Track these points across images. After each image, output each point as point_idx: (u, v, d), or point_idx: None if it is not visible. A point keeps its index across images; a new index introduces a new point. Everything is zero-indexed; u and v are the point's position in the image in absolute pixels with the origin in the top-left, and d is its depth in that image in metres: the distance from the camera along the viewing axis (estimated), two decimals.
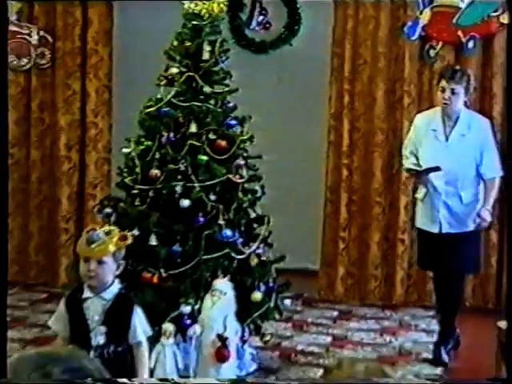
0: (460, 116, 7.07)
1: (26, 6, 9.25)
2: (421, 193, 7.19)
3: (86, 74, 9.26)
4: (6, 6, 2.00)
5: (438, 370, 7.10)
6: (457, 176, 7.05)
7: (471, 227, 7.07)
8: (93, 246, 4.56)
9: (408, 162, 7.29)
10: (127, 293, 4.79)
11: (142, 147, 6.84)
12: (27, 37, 9.22)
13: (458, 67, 7.72)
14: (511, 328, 1.92)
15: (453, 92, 6.95)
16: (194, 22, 6.84)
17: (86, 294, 4.62)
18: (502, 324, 6.93)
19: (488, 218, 7.13)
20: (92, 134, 9.34)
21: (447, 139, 7.10)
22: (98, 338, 4.55)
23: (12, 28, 9.19)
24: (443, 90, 7.01)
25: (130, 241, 4.94)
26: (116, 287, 4.67)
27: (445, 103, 7.01)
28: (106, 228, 4.93)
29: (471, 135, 7.05)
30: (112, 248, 4.58)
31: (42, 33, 9.22)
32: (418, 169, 7.16)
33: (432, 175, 7.02)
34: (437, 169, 6.96)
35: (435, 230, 7.11)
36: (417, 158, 7.17)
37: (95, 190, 9.20)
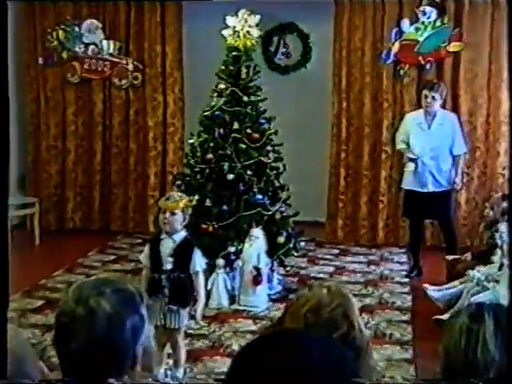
0: (437, 113, 7.30)
1: (124, 44, 9.38)
2: (410, 167, 7.36)
3: (166, 90, 9.37)
4: (7, 6, 2.04)
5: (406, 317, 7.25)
6: (437, 153, 7.28)
7: (448, 187, 7.36)
8: (168, 201, 4.73)
9: (401, 148, 7.58)
10: (190, 238, 4.89)
11: (202, 139, 6.95)
12: (125, 65, 9.33)
13: (435, 81, 7.99)
14: (511, 323, 2.00)
15: (433, 98, 7.19)
16: (234, 53, 6.93)
17: (163, 235, 4.76)
18: (450, 257, 7.10)
19: (459, 182, 7.48)
20: (171, 131, 9.44)
21: (429, 128, 7.29)
22: (167, 265, 4.67)
23: (114, 59, 9.35)
24: (426, 97, 7.28)
25: (194, 203, 5.17)
26: (183, 233, 4.78)
27: (427, 105, 7.27)
28: (180, 193, 5.17)
29: (446, 125, 7.30)
30: (182, 205, 4.71)
31: (135, 62, 9.34)
32: (413, 156, 7.35)
33: (421, 154, 7.27)
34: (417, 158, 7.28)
35: (424, 190, 7.31)
36: (407, 144, 7.39)
37: (173, 169, 9.27)
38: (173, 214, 4.70)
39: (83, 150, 9.64)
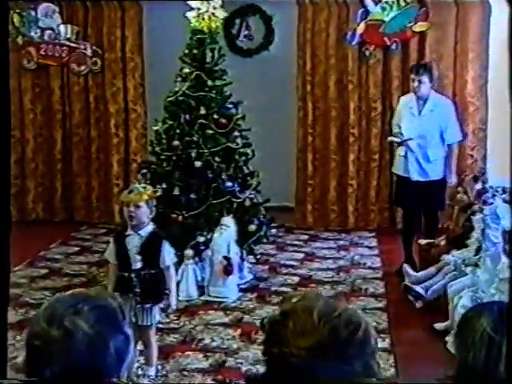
0: (429, 97, 6.78)
1: (82, 29, 9.06)
2: (402, 151, 6.92)
3: (126, 75, 9.08)
4: (7, 6, 1.89)
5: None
6: (426, 141, 6.77)
7: (435, 178, 6.81)
8: (131, 194, 4.48)
9: (394, 131, 7.04)
10: (158, 231, 4.65)
11: (167, 125, 6.72)
12: (84, 50, 9.00)
13: (422, 62, 7.51)
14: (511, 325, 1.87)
15: (420, 81, 6.69)
16: (199, 36, 6.70)
17: (128, 231, 4.50)
18: (422, 241, 6.91)
19: (454, 179, 6.96)
20: (133, 117, 9.15)
21: (420, 113, 6.81)
22: (136, 264, 4.46)
23: (72, 44, 9.04)
24: (413, 81, 6.78)
25: (158, 193, 4.94)
26: (150, 227, 4.53)
27: (414, 90, 6.77)
28: (143, 184, 4.92)
29: (437, 111, 6.77)
30: (145, 197, 4.45)
31: (94, 47, 9.03)
32: (398, 140, 6.93)
33: (407, 138, 6.78)
34: (409, 139, 6.80)
35: (411, 178, 6.83)
36: (399, 127, 6.88)
37: (136, 157, 9.00)
38: (137, 206, 4.45)
39: (43, 139, 9.32)
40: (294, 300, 1.76)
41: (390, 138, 7.31)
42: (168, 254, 4.55)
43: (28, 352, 1.65)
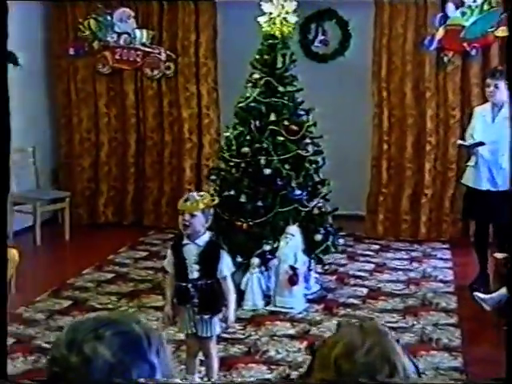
0: (504, 104, 6.44)
1: (157, 33, 9.06)
2: (472, 161, 6.66)
3: (199, 80, 9.01)
4: (7, 6, 1.80)
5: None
6: (497, 147, 6.42)
7: (504, 188, 6.43)
8: (187, 202, 4.33)
9: (468, 141, 6.71)
10: (215, 240, 4.53)
11: (237, 132, 6.59)
12: (158, 55, 8.98)
13: (499, 68, 7.11)
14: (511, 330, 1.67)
15: (496, 86, 6.41)
16: (270, 41, 6.55)
17: (185, 241, 4.36)
18: (498, 255, 6.57)
19: None
20: (206, 123, 9.07)
21: (493, 121, 6.53)
22: (194, 274, 4.32)
23: (147, 49, 9.02)
24: (488, 86, 6.51)
25: (215, 202, 4.79)
26: (207, 236, 4.38)
27: (489, 95, 6.51)
28: (201, 192, 4.77)
29: None
30: (202, 205, 4.29)
31: (168, 52, 8.98)
32: (466, 143, 6.69)
33: (480, 148, 6.50)
34: (481, 144, 6.55)
35: (482, 188, 6.55)
36: (472, 137, 6.58)
37: (208, 162, 8.89)
38: (193, 215, 4.30)
39: (117, 143, 9.32)
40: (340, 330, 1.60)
41: (458, 142, 7.07)
42: (226, 264, 4.41)
43: (48, 378, 1.50)
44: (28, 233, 8.32)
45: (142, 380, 1.47)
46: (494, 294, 5.79)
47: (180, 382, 1.70)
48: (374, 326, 1.65)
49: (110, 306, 6.24)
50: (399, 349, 1.60)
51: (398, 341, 1.65)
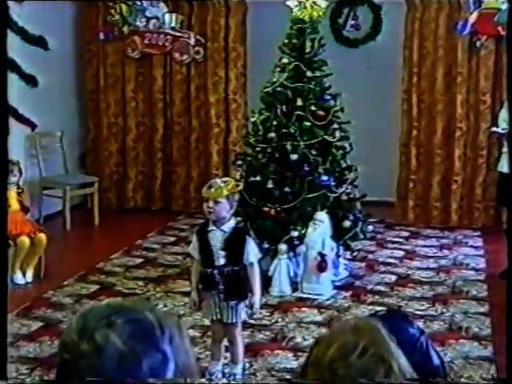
0: None
1: (186, 18, 9.03)
2: (505, 148, 6.50)
3: (228, 65, 8.93)
4: (7, 6, 1.76)
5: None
6: None
7: None
8: (211, 189, 4.30)
9: (499, 126, 6.61)
10: (241, 227, 4.49)
11: (263, 116, 6.49)
12: (187, 39, 8.91)
13: None
14: (511, 330, 1.61)
15: None
16: (299, 25, 6.45)
17: (211, 227, 4.32)
18: None
19: None
20: (233, 108, 9.01)
21: None
22: (220, 260, 4.28)
23: (176, 33, 8.96)
24: None
25: (240, 188, 4.72)
26: (232, 222, 4.35)
27: None
28: (225, 178, 4.71)
29: None
30: (226, 192, 4.25)
31: (197, 36, 8.90)
32: (500, 131, 6.55)
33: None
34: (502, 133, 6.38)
35: None
36: (505, 122, 6.41)
37: (235, 147, 8.85)
38: (217, 202, 4.26)
39: (144, 128, 9.29)
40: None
41: (492, 129, 6.89)
42: (252, 250, 4.36)
43: (59, 365, 1.45)
44: (58, 217, 8.34)
45: (151, 380, 1.41)
46: None
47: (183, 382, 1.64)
48: (368, 324, 1.57)
49: (137, 291, 6.23)
50: (394, 347, 1.52)
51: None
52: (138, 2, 9.01)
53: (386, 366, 1.44)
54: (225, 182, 4.35)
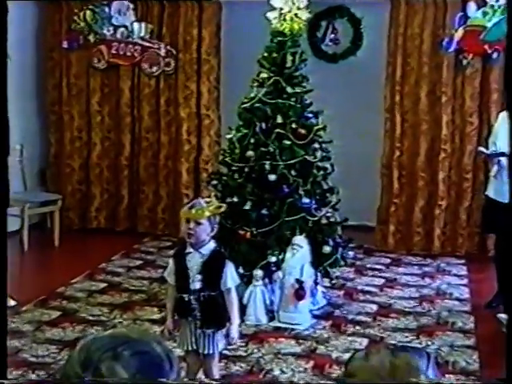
0: None
1: (157, 27, 9.03)
2: (493, 171, 6.55)
3: (201, 78, 8.93)
4: (6, 6, 1.78)
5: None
6: None
7: None
8: (193, 210, 4.28)
9: (490, 149, 6.60)
10: (220, 250, 4.49)
11: (241, 134, 6.51)
12: (157, 50, 8.93)
13: None
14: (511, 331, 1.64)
15: None
16: (279, 38, 6.47)
17: (188, 249, 4.31)
18: None
19: None
20: (206, 123, 9.01)
21: None
22: (196, 284, 4.26)
23: (145, 44, 8.97)
24: None
25: (223, 209, 4.70)
26: (212, 245, 4.34)
27: None
28: (207, 199, 4.71)
29: None
30: (207, 213, 4.26)
31: (168, 47, 8.93)
32: (487, 152, 6.61)
33: (503, 158, 6.36)
34: (502, 154, 6.46)
35: (504, 201, 6.28)
36: (495, 145, 6.44)
37: (207, 166, 8.87)
38: (198, 223, 4.26)
39: (110, 143, 9.27)
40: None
41: (480, 149, 7.00)
42: (231, 275, 4.36)
43: None
44: (15, 237, 8.24)
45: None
46: None
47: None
48: (406, 360, 1.58)
49: (102, 318, 6.17)
50: None
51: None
52: (105, 9, 9.00)
53: None
54: (208, 203, 4.35)
